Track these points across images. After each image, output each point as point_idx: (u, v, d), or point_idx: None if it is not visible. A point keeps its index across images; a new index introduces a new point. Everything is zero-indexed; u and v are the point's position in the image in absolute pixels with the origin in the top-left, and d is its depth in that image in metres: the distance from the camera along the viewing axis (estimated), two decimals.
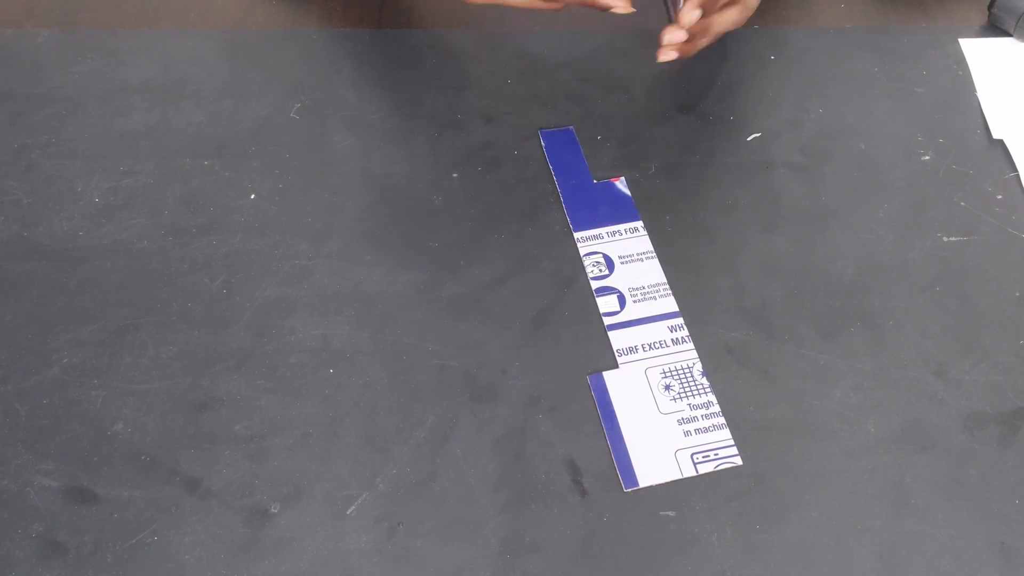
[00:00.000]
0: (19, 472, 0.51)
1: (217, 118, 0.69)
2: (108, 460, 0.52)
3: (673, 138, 0.67)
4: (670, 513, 0.50)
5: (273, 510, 0.50)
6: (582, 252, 0.60)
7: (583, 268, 0.60)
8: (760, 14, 0.76)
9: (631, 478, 0.50)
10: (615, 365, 0.55)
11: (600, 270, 0.59)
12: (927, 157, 0.66)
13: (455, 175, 0.65)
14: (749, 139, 0.67)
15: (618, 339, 0.56)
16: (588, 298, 0.58)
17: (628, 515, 0.50)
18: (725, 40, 0.73)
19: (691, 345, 0.56)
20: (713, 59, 0.72)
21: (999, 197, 0.63)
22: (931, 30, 0.74)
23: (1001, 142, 0.66)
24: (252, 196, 0.64)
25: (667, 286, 0.58)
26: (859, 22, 0.76)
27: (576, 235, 0.61)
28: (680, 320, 0.57)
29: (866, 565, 0.48)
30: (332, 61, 0.72)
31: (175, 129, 0.68)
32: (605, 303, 0.57)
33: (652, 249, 0.60)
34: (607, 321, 0.57)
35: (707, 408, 0.53)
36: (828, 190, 0.64)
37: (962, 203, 0.63)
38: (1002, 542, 0.48)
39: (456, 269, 0.60)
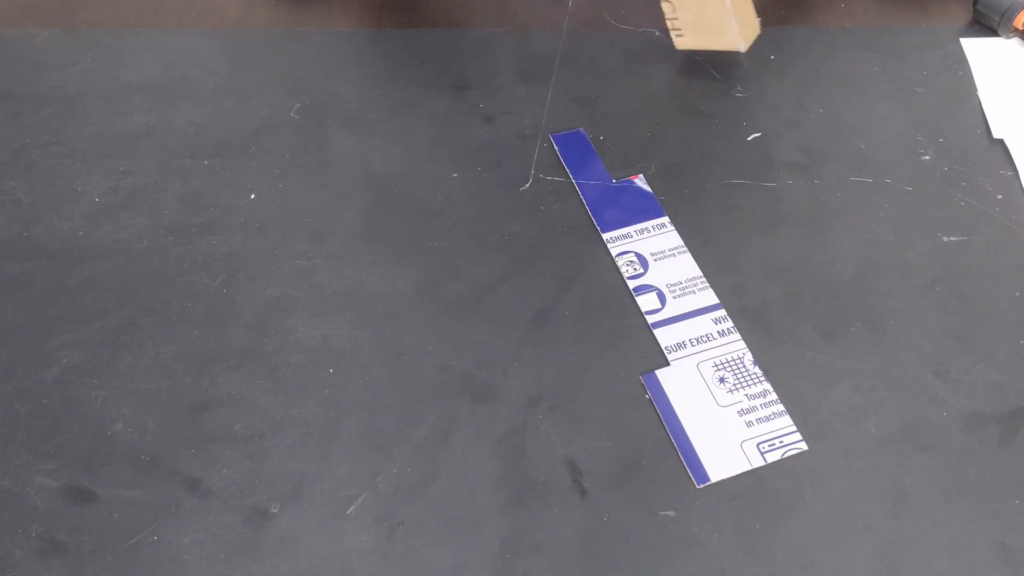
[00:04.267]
0: (19, 472, 0.51)
1: (217, 118, 0.69)
2: (108, 460, 0.52)
3: (673, 138, 0.67)
4: (670, 513, 0.50)
5: (273, 510, 0.50)
6: (613, 252, 0.60)
7: (584, 267, 0.60)
8: (760, 14, 0.76)
9: (702, 474, 0.51)
10: (665, 363, 0.55)
11: (635, 269, 0.59)
12: (927, 157, 0.66)
13: (455, 175, 0.65)
14: (749, 139, 0.67)
15: (665, 336, 0.56)
16: (591, 297, 0.58)
17: (628, 515, 0.50)
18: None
19: (738, 336, 0.56)
20: (713, 59, 0.72)
21: (999, 197, 0.63)
22: (931, 30, 0.74)
23: (1001, 142, 0.66)
24: (252, 196, 0.64)
25: (704, 279, 0.59)
26: (859, 22, 0.76)
27: (605, 236, 0.61)
28: (723, 312, 0.57)
29: (866, 565, 0.48)
30: (332, 61, 0.72)
31: (175, 129, 0.68)
32: (645, 301, 0.57)
33: (683, 243, 0.60)
34: (650, 319, 0.57)
35: (764, 397, 0.53)
36: (828, 190, 0.64)
37: (962, 203, 0.63)
38: (1002, 542, 0.48)
39: (456, 269, 0.60)
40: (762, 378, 0.54)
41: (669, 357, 0.55)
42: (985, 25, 0.75)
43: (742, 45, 0.66)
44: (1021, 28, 0.73)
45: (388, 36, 0.74)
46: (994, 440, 0.52)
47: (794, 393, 0.54)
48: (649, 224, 0.61)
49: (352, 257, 0.60)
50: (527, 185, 0.64)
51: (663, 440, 0.52)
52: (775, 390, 0.54)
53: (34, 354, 0.56)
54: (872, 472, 0.51)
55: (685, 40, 0.69)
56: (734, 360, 0.55)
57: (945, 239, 0.61)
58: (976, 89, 0.70)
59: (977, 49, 0.73)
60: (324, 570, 0.48)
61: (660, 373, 0.54)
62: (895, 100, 0.69)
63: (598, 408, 0.53)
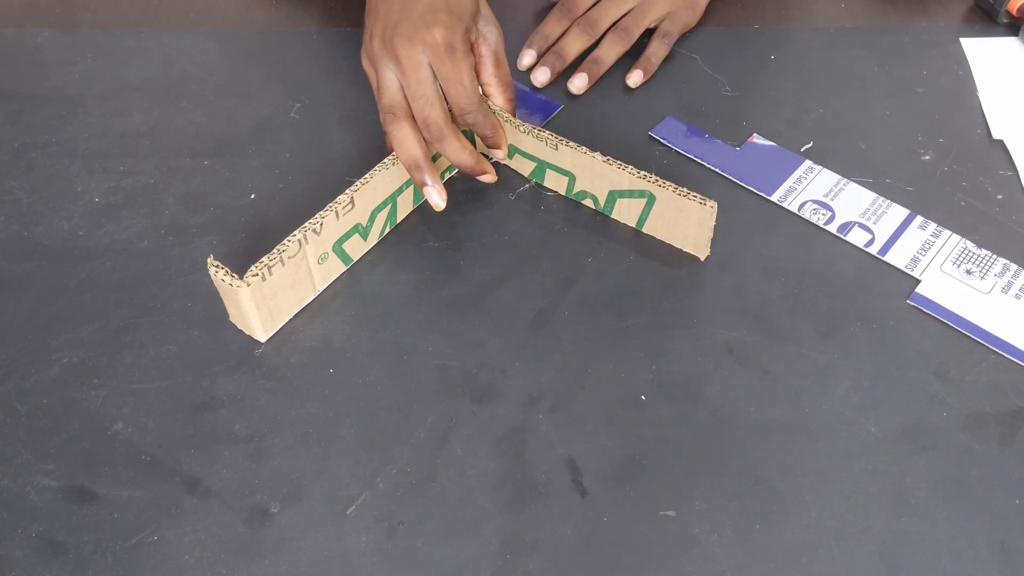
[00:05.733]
0: (19, 472, 0.51)
1: (217, 118, 0.69)
2: (108, 460, 0.52)
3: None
4: (670, 513, 0.50)
5: (273, 510, 0.50)
6: (795, 208, 0.62)
7: (584, 267, 0.60)
8: (760, 14, 0.76)
9: (1022, 354, 0.55)
10: (914, 280, 0.58)
11: (824, 214, 0.61)
12: (927, 157, 0.66)
13: (455, 173, 0.65)
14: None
15: (896, 258, 0.59)
16: (591, 297, 0.58)
17: (628, 515, 0.50)
18: (725, 40, 0.73)
19: (947, 231, 0.60)
20: (714, 59, 0.72)
21: (999, 197, 0.63)
22: (932, 30, 0.74)
23: (1001, 142, 0.66)
24: (252, 196, 0.64)
25: (883, 198, 0.62)
26: (859, 22, 0.76)
27: (773, 198, 0.63)
28: (920, 218, 0.60)
29: (866, 565, 0.48)
30: (332, 61, 0.72)
31: (175, 129, 0.68)
32: (856, 237, 0.60)
33: (840, 176, 0.63)
34: (871, 250, 0.59)
35: (1009, 271, 0.58)
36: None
37: (962, 203, 0.63)
38: (1002, 542, 0.48)
39: (456, 269, 0.60)
40: (993, 256, 0.58)
41: (915, 274, 0.58)
42: (983, 9, 0.75)
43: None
44: (1016, 13, 0.73)
45: None
46: (994, 440, 0.52)
47: (794, 392, 0.54)
48: (799, 172, 0.64)
49: None
50: (528, 184, 0.64)
51: (664, 439, 0.52)
52: (774, 390, 0.54)
53: (34, 354, 0.56)
54: (872, 472, 0.51)
55: None
56: (963, 252, 0.58)
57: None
58: (976, 89, 0.70)
59: (977, 49, 0.73)
60: (324, 570, 0.48)
61: (923, 289, 0.57)
62: (895, 100, 0.69)
63: (598, 408, 0.53)
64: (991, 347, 0.55)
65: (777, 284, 0.59)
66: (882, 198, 0.62)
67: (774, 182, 0.64)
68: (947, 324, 0.56)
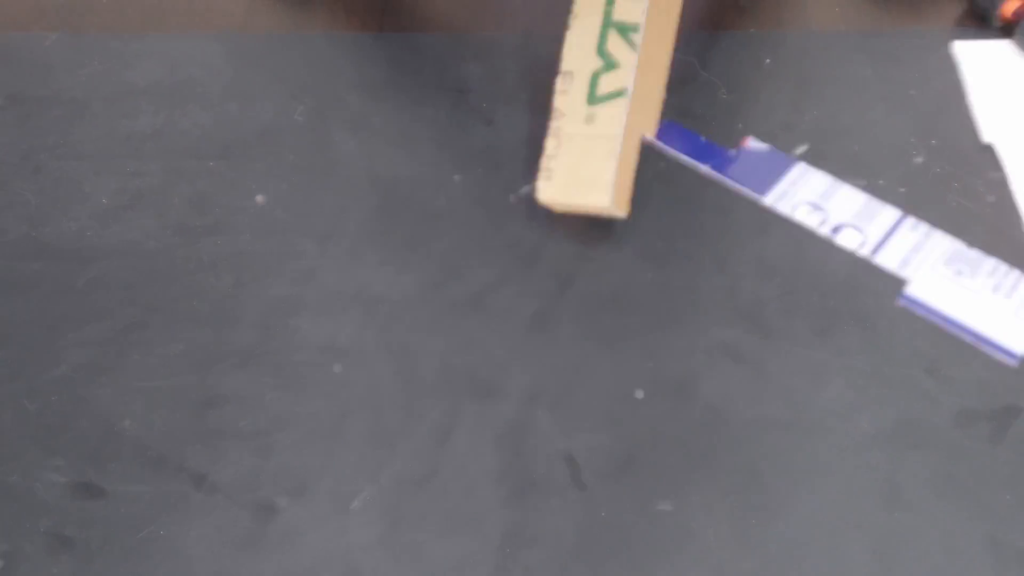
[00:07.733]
0: (29, 468, 0.52)
1: (222, 120, 0.69)
2: (116, 456, 0.52)
3: None
4: (667, 507, 0.50)
5: (278, 505, 0.51)
6: (786, 212, 0.62)
7: (583, 267, 0.60)
8: (756, 18, 0.76)
9: (1012, 353, 0.55)
10: (905, 281, 0.58)
11: (817, 216, 0.61)
12: (920, 159, 0.66)
13: (457, 177, 0.66)
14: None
15: (888, 258, 0.59)
16: (591, 297, 0.59)
17: (625, 508, 0.50)
18: (721, 44, 0.74)
19: (940, 232, 0.60)
20: (710, 62, 0.72)
21: (990, 198, 0.64)
22: (924, 33, 0.75)
23: (992, 145, 0.67)
24: (257, 197, 0.64)
25: (877, 201, 0.62)
26: (853, 26, 0.76)
27: (766, 201, 0.63)
28: (912, 219, 0.61)
29: (859, 559, 0.48)
30: (335, 64, 0.73)
31: (181, 131, 0.68)
32: (848, 239, 0.60)
33: (832, 177, 0.64)
34: (863, 252, 0.60)
35: (997, 270, 0.58)
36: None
37: (954, 204, 0.63)
38: (992, 536, 0.49)
39: (458, 269, 0.60)
40: (983, 254, 0.58)
41: (905, 275, 0.58)
42: (976, 14, 0.75)
43: (619, 212, 0.60)
44: (1009, 18, 0.73)
45: (390, 40, 0.75)
46: (985, 436, 0.53)
47: (788, 389, 0.55)
48: (793, 175, 0.64)
49: (356, 258, 0.61)
50: (528, 185, 0.65)
51: (660, 435, 0.53)
52: (768, 387, 0.55)
53: (43, 352, 0.57)
54: (865, 468, 0.52)
55: (551, 188, 0.60)
56: (955, 253, 0.58)
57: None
58: (968, 93, 0.70)
59: (969, 52, 0.73)
60: (329, 563, 0.49)
61: (913, 290, 0.58)
62: (889, 103, 0.70)
63: (596, 405, 0.54)
64: (981, 346, 0.56)
65: (771, 284, 0.59)
66: (875, 199, 0.63)
67: (768, 184, 0.64)
68: (938, 323, 0.57)
